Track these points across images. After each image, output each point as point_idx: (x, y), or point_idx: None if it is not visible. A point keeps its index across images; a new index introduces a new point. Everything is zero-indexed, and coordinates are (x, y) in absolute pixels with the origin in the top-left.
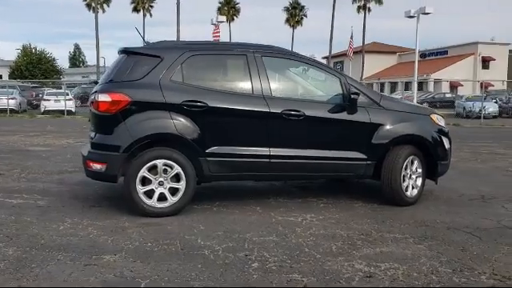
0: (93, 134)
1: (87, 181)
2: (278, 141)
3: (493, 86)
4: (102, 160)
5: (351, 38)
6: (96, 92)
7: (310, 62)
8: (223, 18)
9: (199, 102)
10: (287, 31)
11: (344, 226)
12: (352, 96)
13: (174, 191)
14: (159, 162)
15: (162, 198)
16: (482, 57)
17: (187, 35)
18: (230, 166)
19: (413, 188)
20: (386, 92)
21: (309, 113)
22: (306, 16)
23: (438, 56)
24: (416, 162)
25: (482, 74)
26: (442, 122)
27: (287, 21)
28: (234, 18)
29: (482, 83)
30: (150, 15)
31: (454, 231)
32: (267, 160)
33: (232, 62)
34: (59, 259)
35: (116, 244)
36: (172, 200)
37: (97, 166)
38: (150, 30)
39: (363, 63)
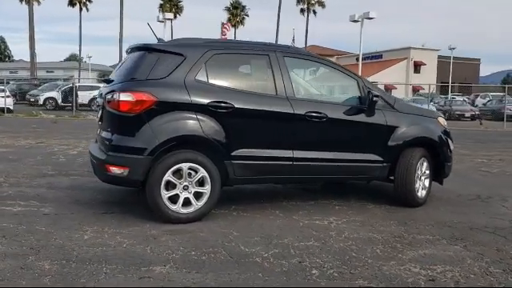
0: (108, 135)
1: (78, 185)
2: (301, 143)
3: (423, 89)
4: (124, 164)
5: (293, 40)
6: (114, 91)
7: (329, 64)
8: (170, 16)
9: (226, 102)
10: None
11: (372, 229)
12: (374, 98)
13: (198, 196)
14: (185, 166)
15: (186, 203)
16: (414, 61)
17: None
18: (255, 169)
19: (422, 189)
20: None
21: (331, 115)
22: (247, 16)
23: (374, 60)
24: (425, 164)
25: (414, 78)
26: (446, 125)
27: (229, 20)
28: (177, 15)
29: (413, 86)
30: (87, 10)
31: (478, 231)
32: (290, 163)
33: (255, 61)
34: (106, 272)
35: (157, 254)
36: (197, 205)
37: (118, 170)
38: (86, 25)
39: None
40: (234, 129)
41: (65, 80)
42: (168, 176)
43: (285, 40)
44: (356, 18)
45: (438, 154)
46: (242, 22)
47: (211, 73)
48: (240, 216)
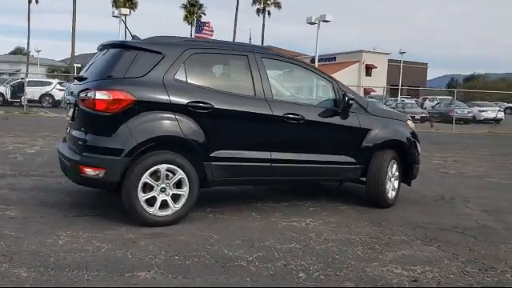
0: (81, 135)
1: (42, 186)
2: (279, 145)
3: (375, 91)
4: (100, 165)
5: (250, 40)
6: (89, 89)
7: (305, 66)
8: (126, 11)
9: (205, 103)
10: (186, 28)
11: (349, 230)
12: (350, 102)
13: (175, 198)
14: (162, 167)
15: (163, 205)
16: (366, 64)
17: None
18: (233, 171)
19: (392, 190)
20: None
21: (308, 117)
22: (204, 14)
23: (328, 62)
24: (395, 166)
25: (365, 81)
26: (414, 127)
27: (185, 18)
28: (132, 11)
29: (364, 89)
30: (36, 1)
31: (448, 232)
32: (269, 164)
33: (234, 62)
34: (88, 279)
35: (139, 259)
36: (175, 208)
37: (92, 172)
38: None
39: None
40: (212, 130)
41: (10, 74)
42: (145, 178)
43: (242, 40)
44: (313, 21)
45: (407, 155)
46: (198, 20)
47: (190, 72)
48: (217, 218)
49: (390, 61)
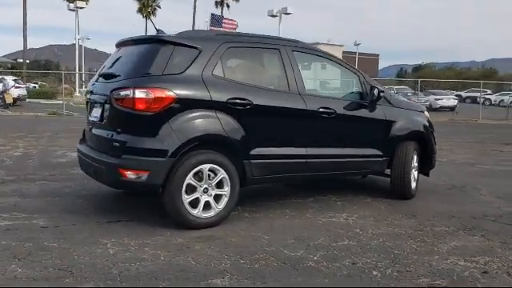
0: (118, 136)
1: (51, 191)
2: (313, 140)
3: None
4: (143, 167)
5: None
6: (126, 87)
7: (333, 59)
8: (82, 4)
9: (244, 99)
10: (141, 21)
11: (390, 224)
12: (380, 94)
13: (217, 199)
14: (205, 167)
15: (205, 206)
16: None
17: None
18: (272, 169)
19: (413, 181)
20: None
21: (339, 110)
22: (159, 7)
23: None
24: (415, 157)
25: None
26: (429, 117)
27: (140, 10)
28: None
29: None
30: None
31: (482, 220)
32: (304, 160)
33: (267, 56)
34: None
35: (205, 265)
36: (217, 208)
37: (135, 175)
38: None
39: None
40: (251, 127)
41: None
42: (189, 179)
43: None
44: (274, 13)
45: (426, 146)
46: (153, 12)
47: (227, 67)
48: (254, 217)
49: (344, 53)
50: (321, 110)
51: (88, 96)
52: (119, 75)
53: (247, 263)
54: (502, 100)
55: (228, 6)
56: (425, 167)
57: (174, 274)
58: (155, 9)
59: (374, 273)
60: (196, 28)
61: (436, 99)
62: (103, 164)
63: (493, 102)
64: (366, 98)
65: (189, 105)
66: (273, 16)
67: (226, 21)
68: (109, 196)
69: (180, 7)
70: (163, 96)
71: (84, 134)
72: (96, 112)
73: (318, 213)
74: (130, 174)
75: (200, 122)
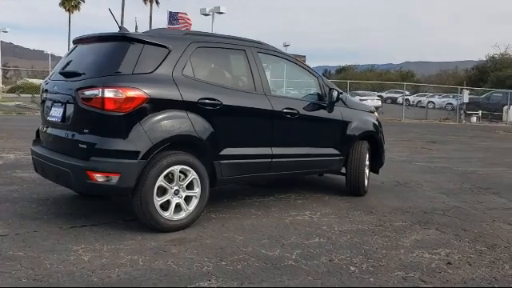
0: (85, 138)
1: (2, 195)
2: (278, 140)
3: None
4: (114, 170)
5: (136, 29)
6: (94, 86)
7: (294, 61)
8: None
9: (214, 99)
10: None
11: (352, 220)
12: (340, 96)
13: (187, 200)
14: (176, 169)
15: (176, 209)
16: None
17: None
18: (240, 169)
19: (366, 179)
20: None
21: (301, 111)
22: (83, 1)
23: None
24: (367, 156)
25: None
26: (378, 118)
27: (62, 4)
28: None
29: None
30: None
31: (433, 215)
32: (270, 160)
33: (233, 56)
34: None
35: (188, 268)
36: (188, 210)
37: (104, 178)
38: None
39: None
40: (221, 127)
41: None
42: (160, 181)
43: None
44: (207, 12)
45: (377, 145)
46: (77, 6)
47: (196, 67)
48: (221, 218)
49: None
50: (285, 110)
51: (44, 95)
52: (83, 73)
53: (229, 264)
54: (420, 101)
55: (157, 2)
56: (375, 165)
57: (159, 278)
58: (79, 2)
59: (352, 268)
60: (125, 25)
61: (361, 100)
62: (68, 167)
63: (411, 103)
64: (325, 100)
65: (160, 105)
66: (205, 15)
67: (182, 17)
68: (62, 200)
69: (106, 1)
70: (134, 96)
71: (38, 135)
72: (56, 112)
73: (282, 211)
74: (99, 177)
75: (172, 122)
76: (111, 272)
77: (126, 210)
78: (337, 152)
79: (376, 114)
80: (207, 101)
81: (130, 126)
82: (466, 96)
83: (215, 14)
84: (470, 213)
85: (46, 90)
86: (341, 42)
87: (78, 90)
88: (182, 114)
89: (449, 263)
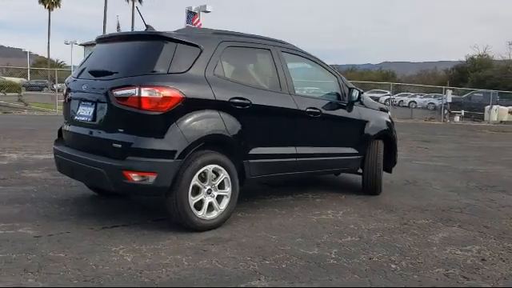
0: (120, 137)
1: (21, 197)
2: (302, 139)
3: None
4: (151, 169)
5: (118, 27)
6: (130, 85)
7: (315, 60)
8: None
9: (244, 99)
10: (44, 12)
11: (376, 219)
12: (361, 95)
13: (218, 200)
14: (209, 168)
15: (208, 208)
16: None
17: None
18: (268, 168)
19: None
20: None
21: (323, 111)
22: None
23: None
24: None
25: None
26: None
27: (42, 1)
28: None
29: None
30: None
31: (451, 212)
32: (294, 159)
33: (260, 56)
34: None
35: (234, 267)
36: (220, 209)
37: (140, 178)
38: None
39: None
40: (250, 126)
41: None
42: (195, 180)
43: (111, 26)
44: (193, 10)
45: (391, 144)
46: (57, 3)
47: (226, 66)
48: (248, 217)
49: None
50: (308, 110)
51: (69, 94)
52: (115, 72)
53: (273, 263)
54: (402, 100)
55: (140, 0)
56: (388, 164)
57: (209, 278)
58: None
59: (393, 266)
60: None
61: None
62: (102, 166)
63: (393, 103)
64: (344, 99)
65: (194, 104)
66: (192, 13)
67: (195, 17)
68: (83, 200)
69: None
70: (171, 95)
71: (61, 134)
72: (85, 111)
73: (305, 211)
74: (135, 177)
75: (206, 121)
76: (159, 272)
77: (150, 209)
78: (355, 151)
79: (389, 113)
80: (238, 100)
81: (166, 125)
82: (449, 96)
83: (201, 12)
84: (485, 210)
85: (71, 89)
86: (322, 42)
87: (112, 89)
88: (215, 113)
89: (483, 260)
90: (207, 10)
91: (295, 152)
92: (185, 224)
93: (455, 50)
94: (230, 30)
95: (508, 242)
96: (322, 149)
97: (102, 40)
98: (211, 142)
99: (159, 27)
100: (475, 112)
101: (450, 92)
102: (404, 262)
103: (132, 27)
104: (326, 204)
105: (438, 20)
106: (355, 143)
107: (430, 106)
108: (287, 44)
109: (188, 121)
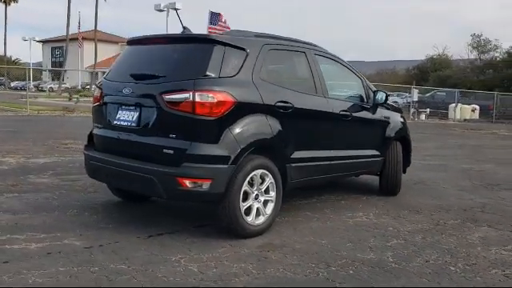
0: (172, 143)
1: (36, 204)
2: (336, 142)
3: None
4: (206, 176)
5: (79, 24)
6: (184, 90)
7: (343, 63)
8: None
9: (287, 102)
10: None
11: (407, 221)
12: (387, 97)
13: (264, 205)
14: (258, 173)
15: (256, 213)
16: None
17: None
18: (307, 172)
19: None
20: None
21: (353, 113)
22: None
23: None
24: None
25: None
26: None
27: None
28: None
29: None
30: None
31: (473, 212)
32: (329, 162)
33: (297, 59)
34: None
35: (304, 275)
36: (266, 215)
37: (195, 184)
38: None
39: (96, 51)
40: (292, 130)
41: None
42: (245, 186)
43: (62, 24)
44: (161, 8)
45: (407, 145)
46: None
47: (269, 70)
48: (286, 222)
49: None
50: (341, 112)
51: (105, 98)
52: (163, 76)
53: (340, 270)
54: None
55: None
56: (404, 165)
57: (285, 285)
58: None
59: (452, 268)
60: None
61: None
62: (152, 173)
63: None
64: (369, 101)
65: (245, 109)
66: (160, 11)
67: (221, 21)
68: (110, 206)
69: None
70: (225, 100)
71: (91, 139)
72: (127, 115)
73: (337, 213)
74: (190, 183)
75: (255, 126)
76: (233, 282)
77: (184, 215)
78: (378, 153)
79: (402, 114)
80: (282, 104)
81: (220, 130)
82: (415, 94)
83: (170, 9)
84: (505, 209)
85: (105, 93)
86: None
87: (162, 93)
88: (263, 117)
89: None
90: (177, 7)
91: (330, 155)
92: (235, 230)
93: (411, 50)
94: (197, 27)
95: None
96: (351, 151)
97: (136, 42)
98: (259, 147)
99: (123, 25)
100: (440, 110)
101: (415, 91)
102: (459, 263)
103: (95, 24)
104: (351, 206)
105: (393, 19)
106: (378, 145)
107: (394, 104)
108: (318, 46)
109: (240, 125)
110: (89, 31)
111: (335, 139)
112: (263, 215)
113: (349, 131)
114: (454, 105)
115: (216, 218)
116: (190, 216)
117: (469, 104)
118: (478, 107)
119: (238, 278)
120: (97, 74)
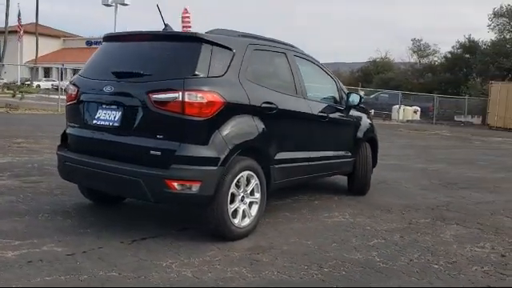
0: (160, 144)
1: (19, 209)
2: (314, 143)
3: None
4: (196, 177)
5: (19, 17)
6: (173, 89)
7: (319, 65)
8: None
9: (272, 103)
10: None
11: (381, 220)
12: (361, 99)
13: (249, 206)
14: (244, 175)
15: (242, 215)
16: None
17: None
18: (288, 173)
19: None
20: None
21: (330, 115)
22: None
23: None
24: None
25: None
26: None
27: None
28: None
29: None
30: None
31: (441, 210)
32: (308, 163)
33: (278, 60)
34: None
35: (300, 277)
36: (251, 216)
37: (184, 187)
38: None
39: (37, 45)
40: (276, 131)
41: None
42: (233, 187)
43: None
44: (109, 3)
45: (374, 145)
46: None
47: (254, 70)
48: (267, 223)
49: None
50: (319, 114)
51: (81, 96)
52: (148, 74)
53: (333, 271)
54: None
55: None
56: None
57: (285, 286)
58: None
59: (436, 266)
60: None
61: None
62: (139, 175)
63: None
64: (342, 103)
65: (233, 110)
66: (107, 5)
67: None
68: (83, 210)
69: None
70: (214, 100)
71: (65, 139)
72: (108, 115)
73: (314, 214)
74: (179, 186)
75: (243, 127)
76: (235, 282)
77: (162, 218)
78: (350, 154)
79: (371, 114)
80: (267, 105)
81: (210, 131)
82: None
83: (118, 5)
84: (467, 207)
85: (82, 91)
86: None
87: (148, 92)
88: (249, 118)
89: (503, 255)
90: (125, 2)
91: (309, 156)
92: (222, 233)
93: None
94: (146, 25)
95: (509, 237)
96: (327, 152)
97: (115, 38)
98: (246, 148)
99: (82, 20)
100: (384, 112)
101: (362, 93)
102: (441, 261)
103: (36, 17)
104: (327, 206)
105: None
106: (350, 146)
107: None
108: (296, 47)
109: (229, 126)
110: (28, 24)
111: (314, 140)
112: (249, 217)
113: (325, 132)
114: (397, 106)
115: (203, 221)
116: (170, 219)
117: (411, 106)
118: (419, 109)
119: (235, 283)
120: (37, 69)
